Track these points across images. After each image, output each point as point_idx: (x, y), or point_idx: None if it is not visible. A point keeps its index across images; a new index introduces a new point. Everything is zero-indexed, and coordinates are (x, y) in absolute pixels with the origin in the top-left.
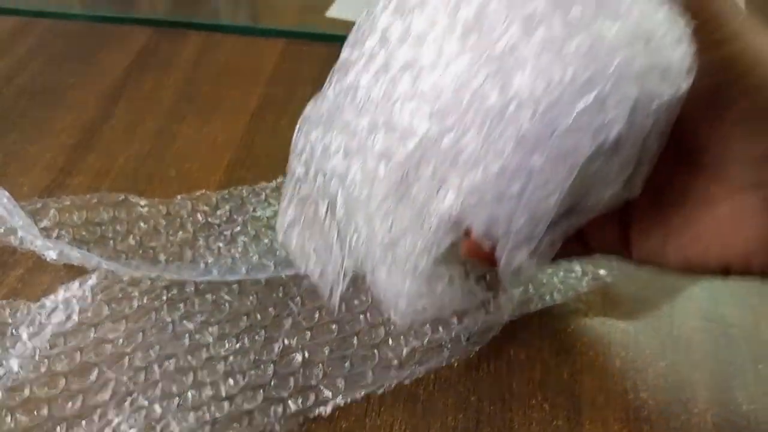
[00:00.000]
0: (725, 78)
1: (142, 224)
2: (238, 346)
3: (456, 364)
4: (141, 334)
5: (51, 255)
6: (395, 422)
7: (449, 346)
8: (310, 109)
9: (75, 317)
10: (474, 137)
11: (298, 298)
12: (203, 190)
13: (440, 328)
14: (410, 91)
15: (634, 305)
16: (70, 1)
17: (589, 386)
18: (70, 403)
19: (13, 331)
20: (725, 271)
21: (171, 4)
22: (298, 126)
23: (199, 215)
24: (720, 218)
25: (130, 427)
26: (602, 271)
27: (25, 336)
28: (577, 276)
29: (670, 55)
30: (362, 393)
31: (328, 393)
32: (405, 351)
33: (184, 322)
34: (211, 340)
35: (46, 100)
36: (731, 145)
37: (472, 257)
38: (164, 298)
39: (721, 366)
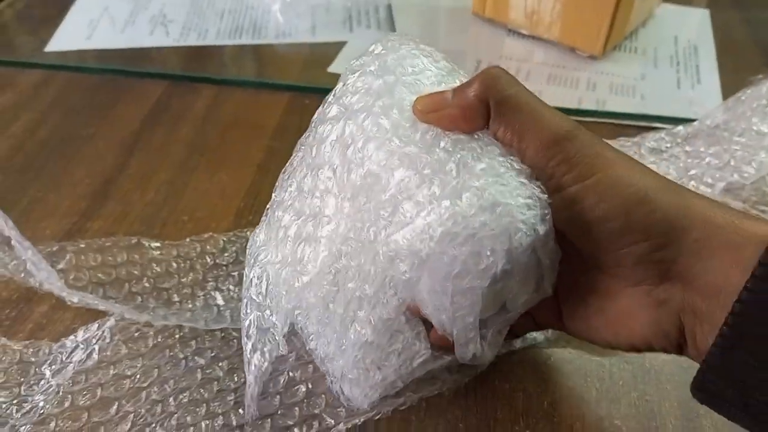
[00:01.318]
0: (589, 205)
1: (155, 266)
2: (244, 377)
3: (446, 393)
4: (156, 370)
5: (72, 300)
6: None
7: (442, 377)
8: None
9: (95, 356)
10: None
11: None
12: (211, 234)
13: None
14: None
15: None
16: (86, 55)
17: (568, 414)
18: None
19: (37, 369)
20: (634, 349)
21: (183, 59)
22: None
23: (207, 257)
24: (620, 308)
25: None
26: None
27: (48, 374)
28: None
29: (519, 213)
30: (361, 419)
31: (330, 420)
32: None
33: (196, 357)
34: (221, 374)
35: (65, 151)
36: (616, 252)
37: (439, 347)
38: (177, 336)
39: (689, 396)
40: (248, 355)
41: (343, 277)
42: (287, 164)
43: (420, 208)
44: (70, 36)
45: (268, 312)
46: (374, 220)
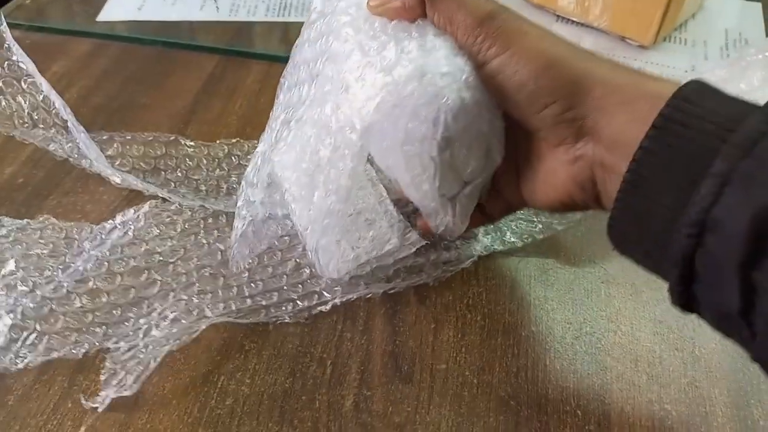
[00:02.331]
0: (508, 75)
1: (188, 161)
2: (258, 260)
3: (432, 283)
4: (183, 249)
5: (116, 180)
6: (443, 420)
7: (427, 269)
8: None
9: (130, 234)
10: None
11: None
12: (238, 139)
13: (419, 257)
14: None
15: (660, 327)
16: (136, 27)
17: (618, 396)
18: (124, 294)
19: (79, 244)
20: (564, 207)
21: (233, 34)
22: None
23: (233, 158)
24: (548, 169)
25: (172, 312)
26: (554, 221)
27: (88, 247)
28: (532, 224)
29: (443, 80)
30: (354, 296)
31: (328, 295)
32: (391, 271)
33: (218, 243)
34: None
35: (122, 118)
36: (536, 116)
37: (426, 234)
38: (202, 225)
39: (739, 384)
40: (235, 222)
41: (310, 150)
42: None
43: (363, 83)
44: (121, 6)
45: (252, 188)
46: (332, 99)
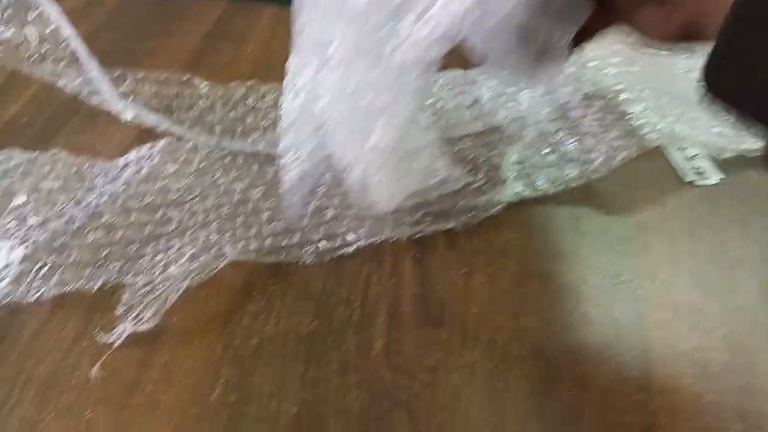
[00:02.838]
0: None
1: (201, 102)
2: (278, 202)
3: (459, 227)
4: (199, 188)
5: (128, 116)
6: (476, 364)
7: (454, 214)
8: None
9: (144, 171)
10: None
11: (330, 173)
12: (255, 80)
13: (446, 202)
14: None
15: (699, 278)
16: None
17: (658, 345)
18: (140, 230)
19: (91, 180)
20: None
21: None
22: None
23: (249, 100)
24: None
25: (190, 249)
26: (589, 168)
27: (100, 183)
28: (564, 171)
29: None
30: (379, 239)
31: (352, 237)
32: (418, 215)
33: (234, 183)
34: (257, 197)
35: (129, 62)
36: None
37: None
38: (218, 165)
39: None
40: (283, 168)
41: (360, 91)
42: None
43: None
44: None
45: (296, 132)
46: (382, 37)
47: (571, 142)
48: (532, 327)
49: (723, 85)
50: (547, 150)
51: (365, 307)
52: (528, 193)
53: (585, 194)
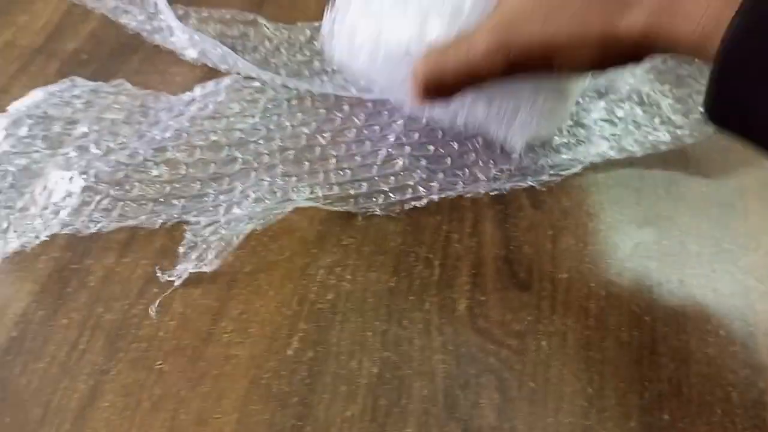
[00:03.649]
0: None
1: (267, 43)
2: (345, 148)
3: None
4: (265, 129)
5: (192, 54)
6: (568, 331)
7: (532, 172)
8: None
9: (210, 107)
10: None
11: (401, 120)
12: (321, 21)
13: (526, 157)
14: None
15: None
16: None
17: (763, 318)
18: (204, 168)
19: (156, 114)
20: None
21: None
22: None
23: (315, 42)
24: None
25: (254, 192)
26: (685, 133)
27: (164, 118)
28: (656, 132)
29: None
30: (453, 194)
31: (423, 191)
32: (493, 172)
33: (302, 127)
34: (324, 142)
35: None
36: None
37: None
38: (285, 106)
39: None
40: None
41: None
42: None
43: None
44: None
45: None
46: None
47: (666, 103)
48: (627, 294)
49: (723, 118)
50: (639, 109)
51: (446, 267)
52: (614, 154)
53: (680, 157)
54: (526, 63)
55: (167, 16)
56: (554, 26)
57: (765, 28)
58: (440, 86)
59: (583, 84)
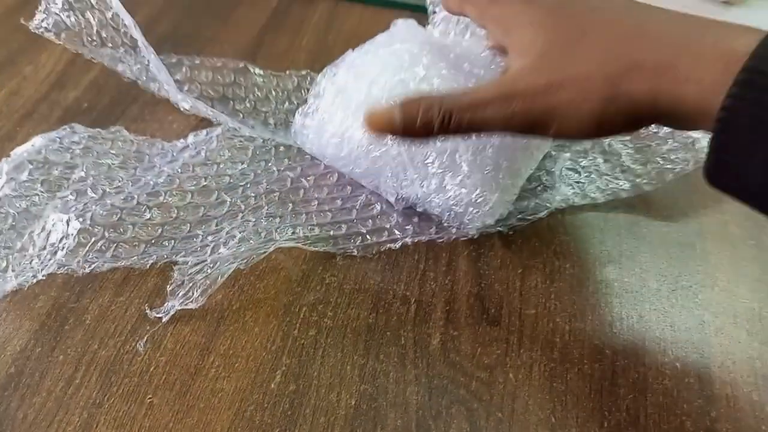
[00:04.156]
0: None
1: (257, 91)
2: (327, 191)
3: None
4: (253, 174)
5: (185, 106)
6: (534, 363)
7: (503, 221)
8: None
9: (203, 154)
10: None
11: None
12: (308, 71)
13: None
14: None
15: (759, 284)
16: None
17: (718, 351)
18: (194, 212)
19: (150, 159)
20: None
21: None
22: None
23: (302, 91)
24: None
25: (240, 232)
26: (643, 181)
27: (159, 163)
28: (617, 181)
29: None
30: (425, 239)
31: (398, 233)
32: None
33: (287, 171)
34: (307, 185)
35: (185, 50)
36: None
37: None
38: (273, 153)
39: None
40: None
41: None
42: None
43: None
44: None
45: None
46: None
47: (626, 153)
48: (590, 329)
49: (722, 184)
50: (601, 159)
51: (422, 304)
52: (578, 200)
53: (642, 200)
54: (525, 117)
55: (158, 73)
56: (559, 81)
57: (759, 98)
58: (429, 124)
59: (533, 166)
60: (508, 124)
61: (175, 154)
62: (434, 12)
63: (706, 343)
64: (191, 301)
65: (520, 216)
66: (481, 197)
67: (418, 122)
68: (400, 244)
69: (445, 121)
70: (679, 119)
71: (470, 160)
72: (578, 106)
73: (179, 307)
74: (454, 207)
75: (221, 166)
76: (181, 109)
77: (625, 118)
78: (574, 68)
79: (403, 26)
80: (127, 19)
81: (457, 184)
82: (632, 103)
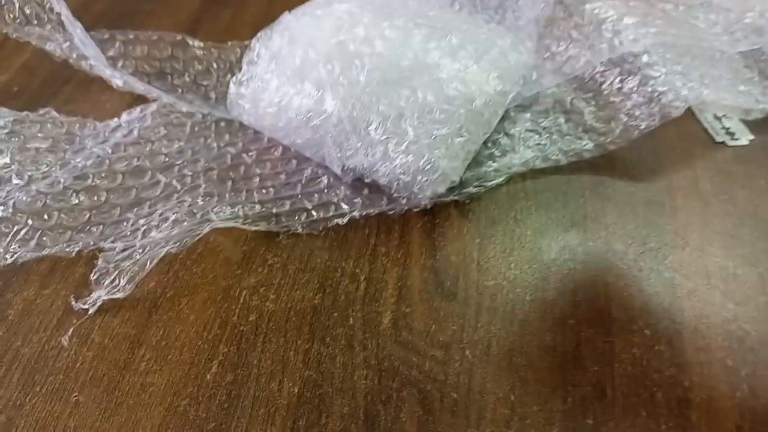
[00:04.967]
0: None
1: (196, 64)
2: (270, 166)
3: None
4: (190, 151)
5: (117, 83)
6: (492, 338)
7: (459, 185)
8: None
9: (135, 133)
10: None
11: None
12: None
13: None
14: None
15: (732, 242)
16: None
17: (690, 315)
18: (125, 194)
19: (81, 141)
20: None
21: None
22: None
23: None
24: None
25: (174, 214)
26: (606, 140)
27: (89, 145)
28: (580, 141)
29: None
30: (375, 211)
31: (346, 207)
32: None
33: (228, 147)
34: (249, 161)
35: (122, 26)
36: None
37: None
38: (213, 128)
39: None
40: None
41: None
42: None
43: None
44: None
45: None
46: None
47: (589, 111)
48: (552, 298)
49: None
50: (563, 119)
51: (372, 281)
52: (539, 163)
53: (608, 159)
54: None
55: (85, 49)
56: None
57: None
58: None
59: (487, 131)
60: None
61: (106, 134)
62: None
63: (677, 307)
64: (118, 290)
65: (477, 183)
66: (429, 164)
67: None
68: (348, 218)
69: None
70: None
71: (416, 125)
72: None
73: (105, 297)
74: (401, 176)
75: (156, 144)
76: (114, 87)
77: None
78: None
79: None
80: None
81: (403, 152)
82: None
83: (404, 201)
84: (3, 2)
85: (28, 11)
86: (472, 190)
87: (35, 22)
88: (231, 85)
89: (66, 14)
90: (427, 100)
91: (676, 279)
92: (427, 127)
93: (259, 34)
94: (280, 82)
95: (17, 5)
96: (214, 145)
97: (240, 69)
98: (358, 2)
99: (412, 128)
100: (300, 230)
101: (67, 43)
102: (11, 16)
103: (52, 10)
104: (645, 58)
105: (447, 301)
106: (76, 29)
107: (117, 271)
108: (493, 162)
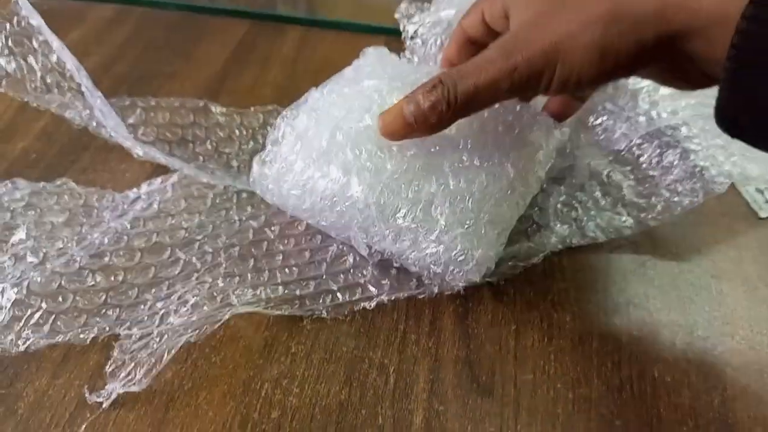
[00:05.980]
0: None
1: (218, 131)
2: (294, 243)
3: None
4: (211, 226)
5: (138, 153)
6: None
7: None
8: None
9: (155, 206)
10: None
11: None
12: (276, 106)
13: None
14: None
15: None
16: None
17: (743, 415)
18: (143, 274)
19: (99, 213)
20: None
21: None
22: None
23: (269, 128)
24: None
25: (194, 296)
26: (648, 216)
27: (107, 218)
28: (620, 217)
29: None
30: (405, 295)
31: (373, 290)
32: None
33: (250, 220)
34: (272, 236)
35: (144, 89)
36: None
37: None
38: (234, 200)
39: None
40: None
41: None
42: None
43: None
44: None
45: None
46: None
47: (627, 185)
48: (597, 396)
49: (736, 127)
50: (600, 192)
51: (402, 373)
52: (576, 240)
53: (648, 236)
54: (528, 66)
55: (105, 119)
56: (558, 18)
57: None
58: (438, 103)
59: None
60: (513, 79)
61: (125, 206)
62: (410, 37)
63: (728, 406)
64: (134, 383)
65: (511, 263)
66: (462, 255)
67: (424, 105)
68: (375, 302)
69: (451, 94)
70: (690, 36)
71: (447, 213)
72: (579, 33)
73: (121, 390)
74: (432, 266)
75: (176, 218)
76: (135, 156)
77: (628, 44)
78: (572, 2)
79: (373, 55)
80: (70, 62)
81: (433, 241)
82: (636, 23)
83: (435, 286)
84: (26, 71)
85: (49, 80)
86: (506, 270)
87: (56, 90)
88: (254, 164)
89: (86, 84)
90: (459, 187)
91: (727, 373)
92: (458, 216)
93: (284, 113)
94: (305, 165)
95: (39, 74)
96: (236, 218)
97: (263, 135)
98: (387, 79)
99: (443, 216)
100: (325, 314)
101: (87, 111)
102: (33, 85)
103: (72, 78)
104: (684, 131)
105: (483, 398)
106: (96, 99)
107: (133, 363)
108: (528, 240)
